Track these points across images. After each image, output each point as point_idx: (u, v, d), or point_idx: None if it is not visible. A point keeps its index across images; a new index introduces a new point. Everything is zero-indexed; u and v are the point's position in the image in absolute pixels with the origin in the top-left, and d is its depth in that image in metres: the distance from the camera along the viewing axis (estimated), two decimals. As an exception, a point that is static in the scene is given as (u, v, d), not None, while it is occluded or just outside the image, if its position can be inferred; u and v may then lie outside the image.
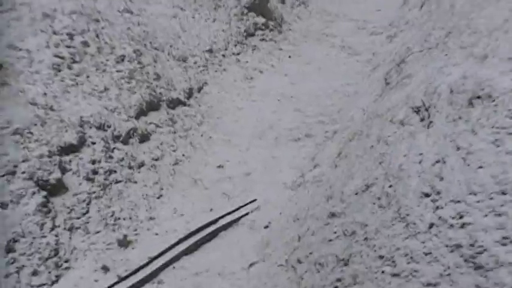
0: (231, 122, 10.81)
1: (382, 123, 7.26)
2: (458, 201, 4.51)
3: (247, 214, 8.58)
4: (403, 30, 12.26)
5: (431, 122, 5.90)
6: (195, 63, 11.77)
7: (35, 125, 7.96)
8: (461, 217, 4.39)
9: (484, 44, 6.55)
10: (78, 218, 7.57)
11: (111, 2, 11.10)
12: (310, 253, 6.34)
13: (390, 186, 5.55)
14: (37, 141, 7.79)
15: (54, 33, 9.35)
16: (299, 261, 6.59)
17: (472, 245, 4.21)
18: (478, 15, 7.67)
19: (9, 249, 6.70)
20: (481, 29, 7.19)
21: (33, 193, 7.33)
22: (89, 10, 10.30)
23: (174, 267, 7.60)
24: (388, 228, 5.01)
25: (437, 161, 5.15)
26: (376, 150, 6.74)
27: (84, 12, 10.16)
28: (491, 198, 4.35)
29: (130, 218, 8.21)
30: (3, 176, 7.19)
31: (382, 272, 4.86)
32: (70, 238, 7.39)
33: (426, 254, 4.51)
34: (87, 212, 7.74)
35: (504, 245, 4.03)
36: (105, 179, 8.25)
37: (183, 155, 9.70)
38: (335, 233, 6.04)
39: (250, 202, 8.77)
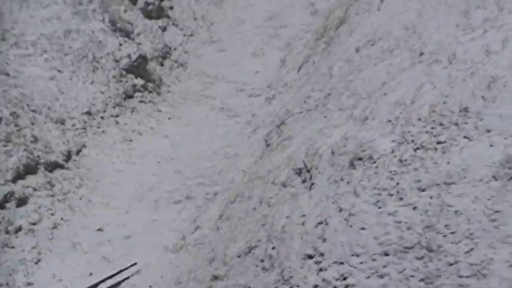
0: (110, 185, 10.86)
1: (264, 185, 7.44)
2: (342, 263, 4.69)
3: (128, 278, 8.60)
4: (282, 92, 12.65)
5: (313, 183, 6.12)
6: (73, 125, 11.82)
7: None
8: (344, 279, 4.57)
9: (364, 106, 6.88)
10: (-48, 286, 7.38)
11: (-14, 64, 11.00)
12: (192, 317, 6.44)
13: (273, 248, 5.70)
14: None
15: None
16: (181, 326, 6.66)
17: (356, 307, 4.41)
18: (357, 78, 8.03)
19: None
20: (360, 91, 7.53)
21: None
22: (-38, 74, 10.19)
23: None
24: (271, 291, 5.17)
25: (320, 223, 5.33)
26: (258, 212, 6.88)
27: (-43, 76, 10.04)
28: (374, 260, 4.55)
29: (7, 284, 8.10)
30: None
31: (265, 335, 5.00)
32: None
33: (309, 317, 4.68)
34: (-38, 279, 7.60)
35: (388, 306, 4.26)
36: (-20, 245, 8.13)
37: (62, 219, 9.65)
38: (217, 295, 6.15)
39: (131, 266, 8.79)
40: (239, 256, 6.42)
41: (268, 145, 9.39)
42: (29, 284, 8.26)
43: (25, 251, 8.75)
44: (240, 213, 7.42)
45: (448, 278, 4.14)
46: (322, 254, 4.84)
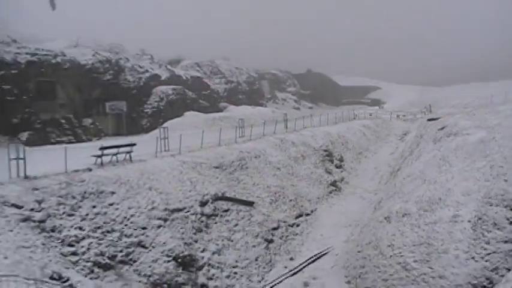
0: (325, 218, 28.51)
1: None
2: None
3: (326, 253, 24.80)
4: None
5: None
6: (318, 198, 29.70)
7: None
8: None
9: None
10: None
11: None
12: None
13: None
14: None
15: None
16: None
17: None
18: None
19: None
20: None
21: None
22: None
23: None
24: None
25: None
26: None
27: None
28: None
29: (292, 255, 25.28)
30: None
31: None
32: None
33: None
34: None
35: None
36: None
37: (308, 233, 27.37)
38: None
39: (328, 248, 25.87)
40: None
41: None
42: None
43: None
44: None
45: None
46: None
